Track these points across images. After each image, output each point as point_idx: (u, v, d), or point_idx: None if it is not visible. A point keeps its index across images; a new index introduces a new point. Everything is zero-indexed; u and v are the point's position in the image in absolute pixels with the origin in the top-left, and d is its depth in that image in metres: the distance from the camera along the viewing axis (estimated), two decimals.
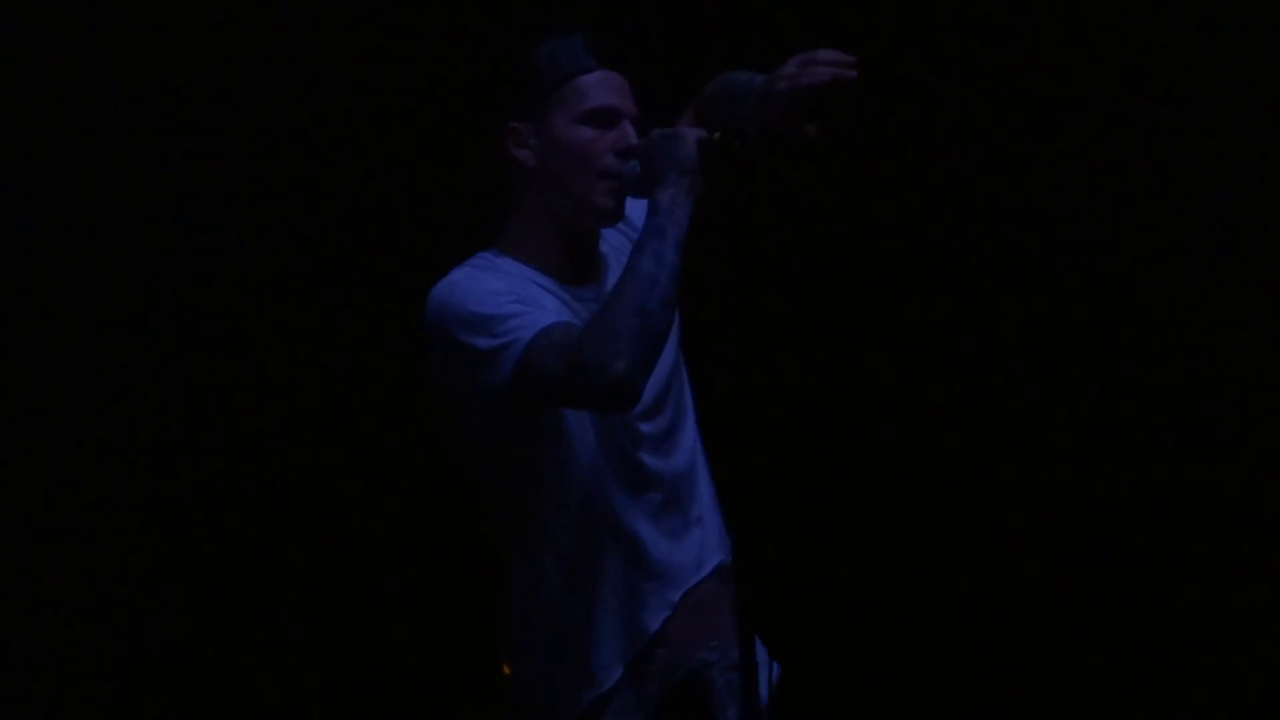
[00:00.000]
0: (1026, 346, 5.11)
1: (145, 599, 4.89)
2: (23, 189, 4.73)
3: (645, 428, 3.39)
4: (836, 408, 5.22)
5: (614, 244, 3.49)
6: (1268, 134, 4.85)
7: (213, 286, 4.91)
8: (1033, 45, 5.04)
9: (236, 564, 4.96)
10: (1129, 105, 4.96)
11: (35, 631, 4.76)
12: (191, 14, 4.81)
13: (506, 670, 3.45)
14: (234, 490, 4.95)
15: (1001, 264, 5.11)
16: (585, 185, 3.36)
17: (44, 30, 4.74)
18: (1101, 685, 5.07)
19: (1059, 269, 5.08)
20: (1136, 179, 4.98)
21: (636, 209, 3.40)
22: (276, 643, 5.00)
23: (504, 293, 3.28)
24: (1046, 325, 5.10)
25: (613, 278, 3.38)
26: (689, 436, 3.45)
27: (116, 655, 4.85)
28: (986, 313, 5.14)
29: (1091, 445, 5.07)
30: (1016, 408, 5.12)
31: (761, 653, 3.39)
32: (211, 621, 4.94)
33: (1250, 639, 4.92)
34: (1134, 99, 4.96)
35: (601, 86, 3.38)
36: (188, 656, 4.93)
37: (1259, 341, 4.91)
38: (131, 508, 4.87)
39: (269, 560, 4.99)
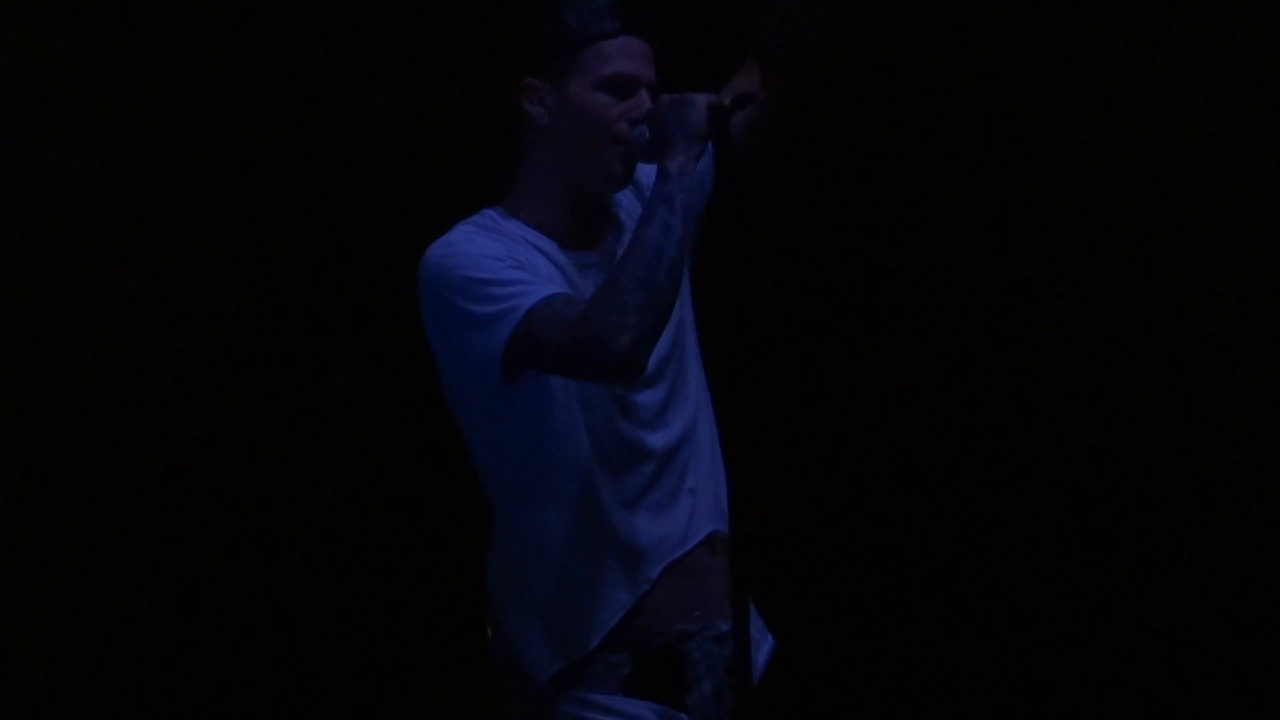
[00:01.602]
0: (1029, 326, 5.12)
1: (142, 599, 4.91)
2: (22, 189, 4.72)
3: (638, 399, 3.37)
4: (842, 385, 5.21)
5: (626, 207, 3.48)
6: (1268, 134, 4.79)
7: (206, 263, 4.91)
8: (1032, 44, 5.00)
9: (222, 540, 4.98)
10: (1128, 105, 4.94)
11: (28, 632, 4.78)
12: None
13: (489, 633, 3.45)
14: (221, 472, 4.98)
15: (1009, 251, 5.09)
16: (596, 150, 3.35)
17: (41, 31, 4.74)
18: (1094, 661, 5.06)
19: (1060, 264, 5.07)
20: (1135, 179, 4.96)
21: (648, 172, 3.38)
22: (265, 609, 5.01)
23: (502, 257, 3.26)
24: (1048, 316, 5.09)
25: (621, 242, 3.37)
26: (688, 406, 3.42)
27: (114, 655, 4.88)
28: (994, 283, 5.13)
29: (1089, 435, 5.06)
30: (1019, 388, 5.13)
31: (757, 627, 3.38)
32: (198, 596, 4.95)
33: (1250, 639, 4.88)
34: (1134, 99, 4.92)
35: (623, 53, 3.36)
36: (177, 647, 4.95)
37: (1259, 341, 4.86)
38: (127, 508, 4.89)
39: (256, 533, 5.00)
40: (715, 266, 3.18)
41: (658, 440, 3.37)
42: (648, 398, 3.38)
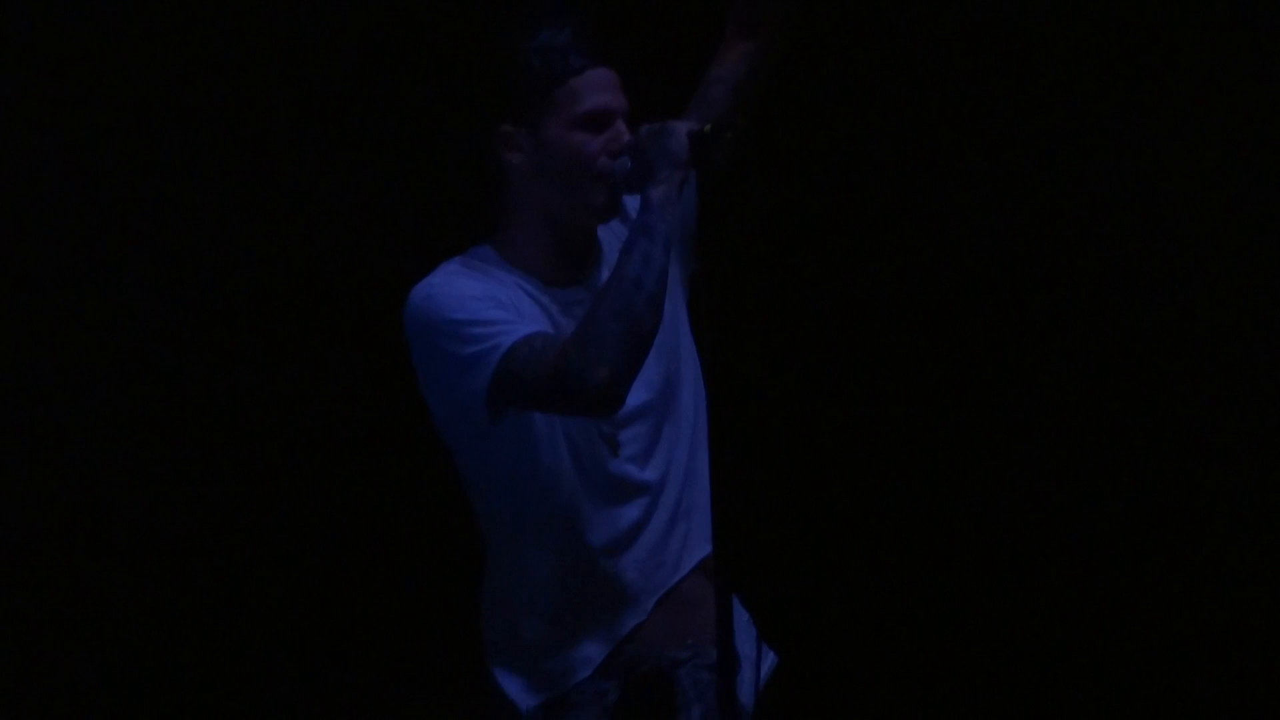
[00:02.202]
0: (1022, 335, 5.10)
1: (140, 599, 4.88)
2: (19, 189, 4.70)
3: (625, 435, 3.37)
4: (833, 398, 5.20)
5: (616, 233, 3.47)
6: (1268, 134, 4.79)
7: (205, 288, 4.90)
8: (1030, 43, 4.99)
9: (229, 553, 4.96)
10: (1127, 106, 4.92)
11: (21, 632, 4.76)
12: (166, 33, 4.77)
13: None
14: (223, 481, 4.95)
15: (1000, 264, 5.09)
16: (579, 187, 3.35)
17: (38, 31, 4.72)
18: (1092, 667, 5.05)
19: (1046, 267, 5.08)
20: (1134, 179, 4.94)
21: (633, 201, 3.39)
22: (266, 625, 5.00)
23: (482, 297, 3.27)
24: (1042, 321, 5.07)
25: (608, 272, 3.36)
26: (682, 437, 3.42)
27: (111, 656, 4.85)
28: (981, 300, 5.12)
29: (1083, 449, 5.07)
30: (1008, 402, 5.12)
31: (751, 646, 3.37)
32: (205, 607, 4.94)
33: (1249, 640, 4.88)
34: (1133, 99, 4.91)
35: (593, 87, 3.36)
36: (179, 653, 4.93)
37: (1259, 341, 4.85)
38: (121, 509, 4.86)
39: (262, 545, 4.99)
40: (704, 290, 3.18)
41: (648, 474, 3.38)
42: (635, 432, 3.38)
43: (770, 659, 3.46)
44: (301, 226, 4.95)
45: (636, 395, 3.31)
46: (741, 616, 3.35)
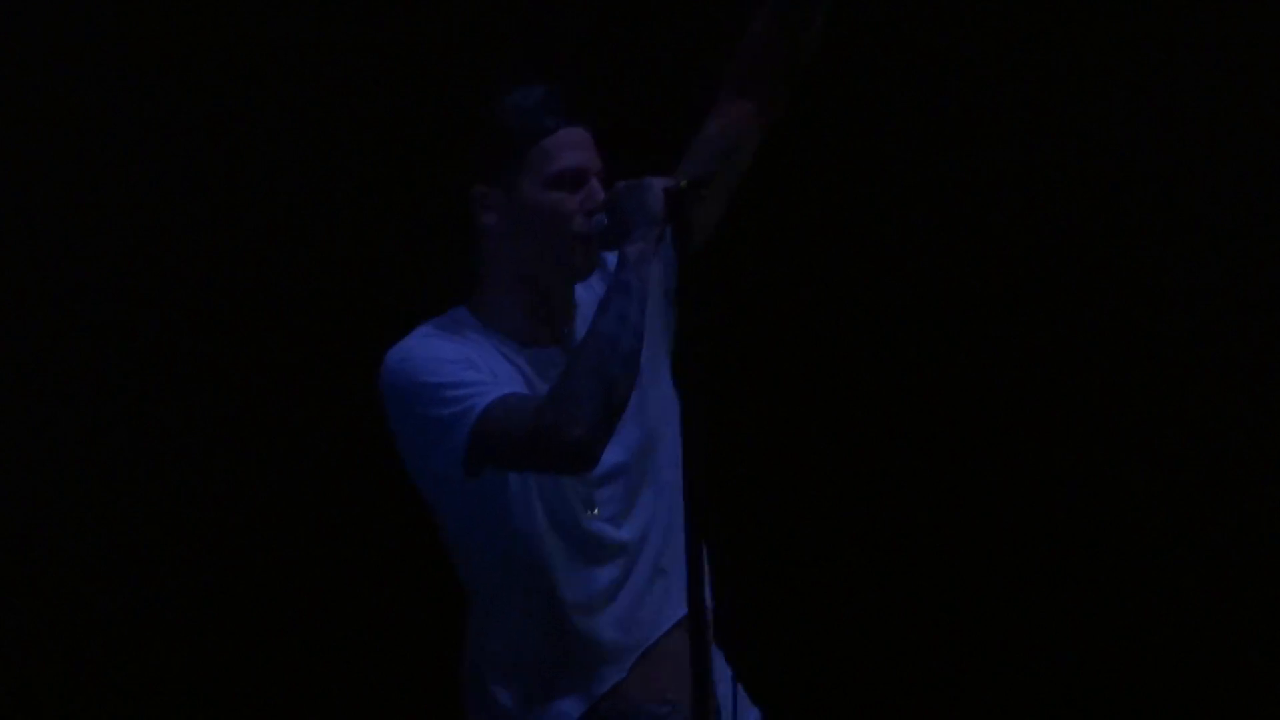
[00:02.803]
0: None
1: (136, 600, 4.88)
2: (17, 190, 4.71)
3: (602, 494, 3.37)
4: (812, 452, 5.19)
5: (595, 290, 3.47)
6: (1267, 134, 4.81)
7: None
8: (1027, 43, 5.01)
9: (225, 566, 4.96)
10: (1124, 105, 4.93)
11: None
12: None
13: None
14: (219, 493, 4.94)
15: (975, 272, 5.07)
16: (556, 247, 3.36)
17: (35, 32, 4.73)
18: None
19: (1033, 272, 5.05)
20: (1132, 180, 4.94)
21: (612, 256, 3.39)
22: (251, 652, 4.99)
23: (456, 360, 3.28)
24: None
25: (585, 329, 3.36)
26: (662, 496, 3.41)
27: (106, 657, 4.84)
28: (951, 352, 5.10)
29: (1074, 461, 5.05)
30: (986, 456, 5.11)
31: (730, 699, 3.34)
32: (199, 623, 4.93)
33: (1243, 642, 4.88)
34: (1131, 99, 4.93)
35: (567, 146, 3.36)
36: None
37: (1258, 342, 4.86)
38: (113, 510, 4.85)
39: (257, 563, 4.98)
40: (683, 347, 3.19)
41: (625, 533, 3.38)
42: (611, 492, 3.38)
43: (754, 715, 3.45)
44: (283, 278, 4.96)
45: (613, 454, 3.31)
46: (723, 671, 3.34)
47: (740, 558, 3.18)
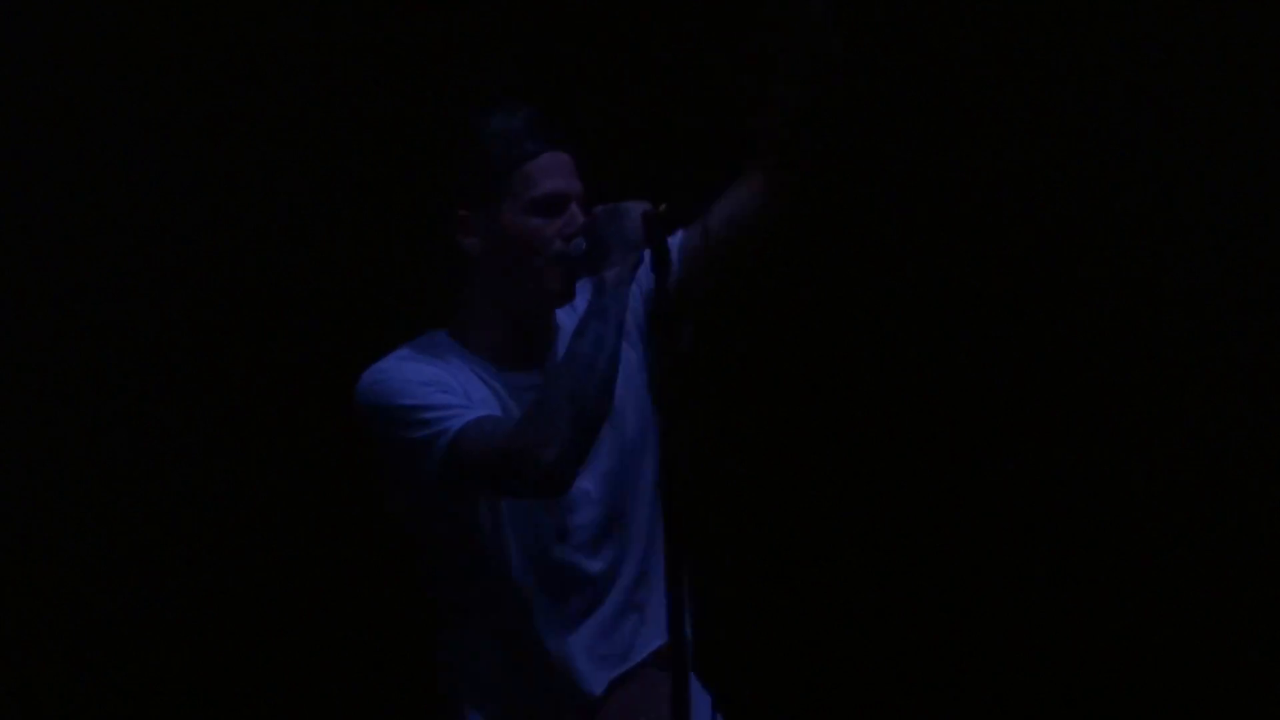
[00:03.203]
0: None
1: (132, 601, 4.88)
2: (16, 191, 4.72)
3: (573, 522, 3.37)
4: (791, 482, 5.19)
5: (573, 312, 3.46)
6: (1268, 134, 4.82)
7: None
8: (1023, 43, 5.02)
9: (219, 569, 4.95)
10: (1123, 105, 4.94)
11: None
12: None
13: None
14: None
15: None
16: (535, 272, 3.36)
17: (31, 31, 4.74)
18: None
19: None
20: (1130, 180, 4.95)
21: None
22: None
23: (430, 382, 3.29)
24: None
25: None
26: (636, 528, 3.42)
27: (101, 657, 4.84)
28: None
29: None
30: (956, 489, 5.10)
31: None
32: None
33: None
34: (1130, 99, 4.94)
35: (548, 171, 3.37)
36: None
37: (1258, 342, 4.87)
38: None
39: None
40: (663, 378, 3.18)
41: (595, 565, 3.39)
42: (583, 519, 3.38)
43: None
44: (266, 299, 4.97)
45: (585, 481, 3.33)
46: (702, 699, 3.35)
47: (719, 584, 3.15)
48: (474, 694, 3.38)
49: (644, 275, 3.35)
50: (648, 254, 3.27)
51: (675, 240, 3.35)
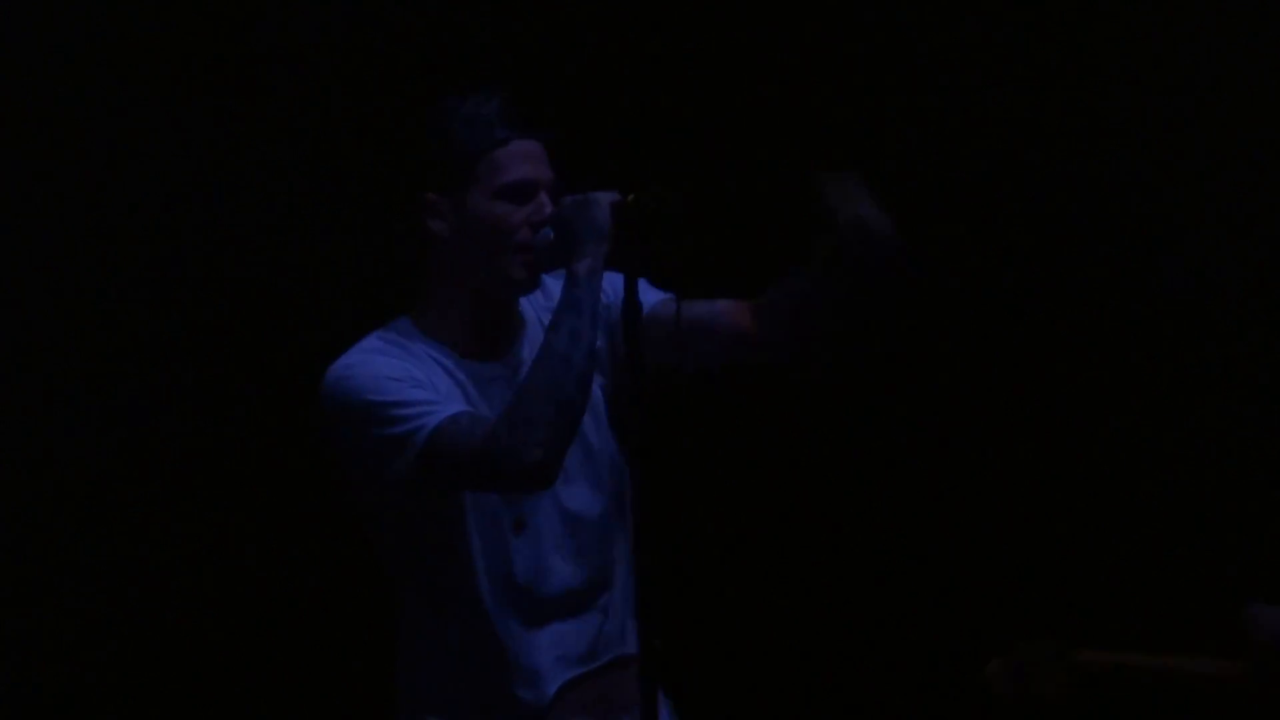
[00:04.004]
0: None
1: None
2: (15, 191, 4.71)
3: (533, 517, 3.36)
4: (762, 493, 5.20)
5: (538, 306, 3.47)
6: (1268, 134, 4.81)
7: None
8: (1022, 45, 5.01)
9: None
10: (1121, 105, 4.94)
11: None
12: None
13: None
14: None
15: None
16: (500, 259, 3.35)
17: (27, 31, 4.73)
18: None
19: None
20: (1129, 180, 4.95)
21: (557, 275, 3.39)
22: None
23: (401, 377, 3.27)
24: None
25: (527, 350, 3.37)
26: (596, 527, 3.41)
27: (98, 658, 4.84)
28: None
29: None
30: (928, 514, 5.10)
31: None
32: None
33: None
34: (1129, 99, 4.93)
35: (517, 159, 3.36)
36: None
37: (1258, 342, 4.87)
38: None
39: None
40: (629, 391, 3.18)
41: (555, 562, 3.37)
42: (542, 516, 3.36)
43: None
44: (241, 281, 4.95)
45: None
46: (663, 706, 3.36)
47: (683, 593, 3.15)
48: (430, 690, 3.37)
49: (612, 295, 3.36)
50: (618, 287, 3.29)
51: (646, 297, 3.35)
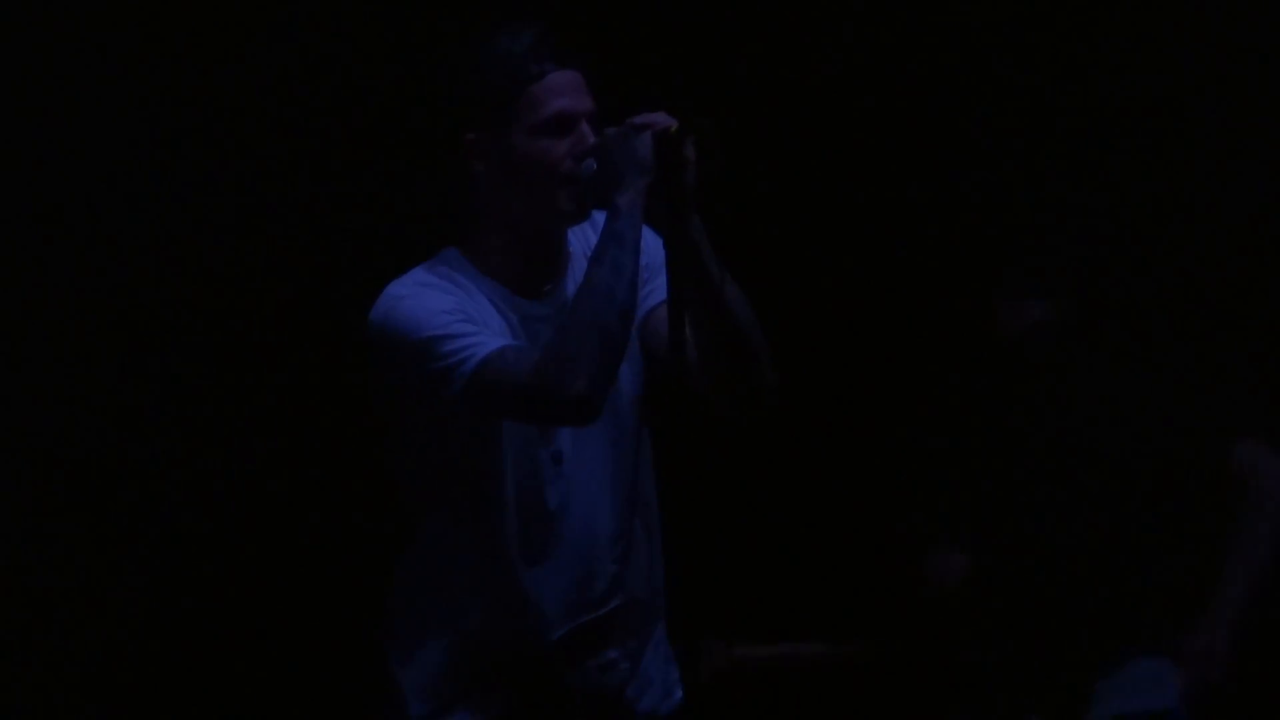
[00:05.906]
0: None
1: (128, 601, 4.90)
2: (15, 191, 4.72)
3: (568, 451, 3.37)
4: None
5: (584, 238, 3.45)
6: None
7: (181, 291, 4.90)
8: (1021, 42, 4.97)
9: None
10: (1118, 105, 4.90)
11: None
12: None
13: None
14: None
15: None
16: (546, 193, 3.33)
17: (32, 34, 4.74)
18: None
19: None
20: (1128, 180, 4.91)
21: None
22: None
23: (451, 310, 3.27)
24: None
25: (573, 283, 3.37)
26: (628, 472, 3.41)
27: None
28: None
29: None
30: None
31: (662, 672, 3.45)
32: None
33: None
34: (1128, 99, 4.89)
35: (556, 91, 3.32)
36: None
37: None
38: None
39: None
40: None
41: (581, 505, 3.37)
42: (572, 452, 3.37)
43: (677, 694, 3.48)
44: (271, 234, 4.94)
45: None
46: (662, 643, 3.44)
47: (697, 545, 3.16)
48: (428, 617, 3.37)
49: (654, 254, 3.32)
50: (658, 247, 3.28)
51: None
